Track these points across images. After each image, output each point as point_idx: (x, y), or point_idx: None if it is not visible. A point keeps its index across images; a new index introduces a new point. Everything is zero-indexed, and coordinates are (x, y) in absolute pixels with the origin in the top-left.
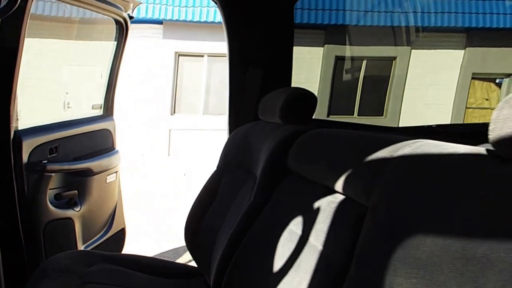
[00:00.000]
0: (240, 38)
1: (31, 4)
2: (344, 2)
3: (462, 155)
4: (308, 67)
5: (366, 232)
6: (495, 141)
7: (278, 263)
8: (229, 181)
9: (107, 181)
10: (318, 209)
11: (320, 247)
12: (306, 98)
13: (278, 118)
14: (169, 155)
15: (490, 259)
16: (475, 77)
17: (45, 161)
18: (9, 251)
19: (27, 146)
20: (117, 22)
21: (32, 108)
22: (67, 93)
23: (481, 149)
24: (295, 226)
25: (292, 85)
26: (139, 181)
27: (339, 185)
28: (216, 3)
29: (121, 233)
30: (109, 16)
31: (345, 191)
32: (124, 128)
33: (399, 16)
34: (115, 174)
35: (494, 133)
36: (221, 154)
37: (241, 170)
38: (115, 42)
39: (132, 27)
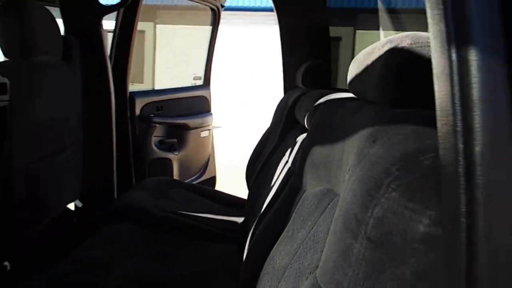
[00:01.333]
0: (287, 20)
1: None
2: None
3: (342, 98)
4: None
5: (300, 148)
6: (349, 88)
7: (272, 182)
8: (274, 132)
9: (201, 135)
10: (297, 141)
11: (289, 164)
12: (320, 68)
13: (301, 84)
14: None
15: (342, 159)
16: None
17: (152, 115)
18: (123, 174)
19: (139, 104)
20: (211, 10)
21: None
22: (194, 74)
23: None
24: (287, 155)
25: None
26: None
27: (306, 124)
28: None
29: (212, 180)
30: (205, 5)
31: (307, 126)
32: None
33: None
34: (208, 131)
35: (348, 83)
36: (274, 113)
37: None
38: (211, 27)
39: (247, 15)
